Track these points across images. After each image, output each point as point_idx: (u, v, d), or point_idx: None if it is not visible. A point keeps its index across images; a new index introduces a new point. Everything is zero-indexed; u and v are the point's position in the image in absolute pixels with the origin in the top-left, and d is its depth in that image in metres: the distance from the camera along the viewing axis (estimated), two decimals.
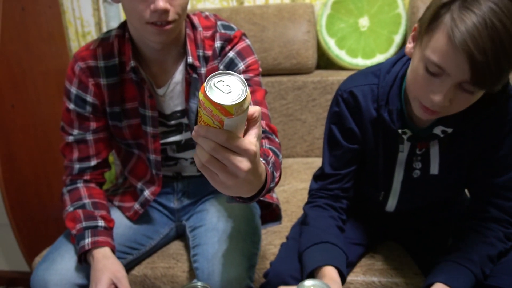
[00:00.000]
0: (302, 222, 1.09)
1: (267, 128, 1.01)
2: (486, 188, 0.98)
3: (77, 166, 1.14)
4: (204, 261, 1.05)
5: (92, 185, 1.17)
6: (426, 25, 0.81)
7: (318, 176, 1.12)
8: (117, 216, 1.18)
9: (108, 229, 1.10)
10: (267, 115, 1.05)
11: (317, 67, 1.88)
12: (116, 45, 1.08)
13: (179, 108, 1.13)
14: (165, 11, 0.93)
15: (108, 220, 1.12)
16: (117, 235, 1.14)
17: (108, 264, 1.02)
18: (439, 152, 0.97)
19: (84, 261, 1.06)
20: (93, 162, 1.14)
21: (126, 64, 1.07)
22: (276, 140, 1.00)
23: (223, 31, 1.10)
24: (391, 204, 1.08)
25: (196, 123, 0.87)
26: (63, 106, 1.13)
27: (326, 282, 0.86)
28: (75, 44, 2.04)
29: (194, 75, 1.08)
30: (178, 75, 1.11)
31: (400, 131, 0.95)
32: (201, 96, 0.58)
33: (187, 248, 1.23)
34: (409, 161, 1.01)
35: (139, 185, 1.20)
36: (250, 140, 0.61)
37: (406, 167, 1.01)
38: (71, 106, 1.11)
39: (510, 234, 0.98)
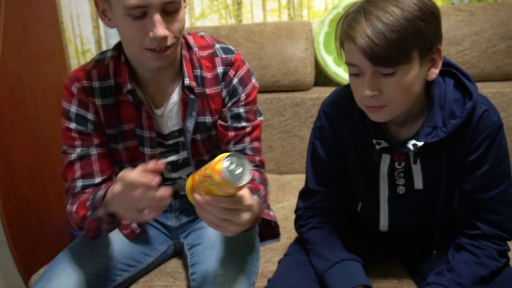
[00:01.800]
0: (306, 247, 1.09)
1: (259, 163, 1.15)
2: (475, 204, 0.98)
3: (79, 183, 1.08)
4: (203, 280, 1.04)
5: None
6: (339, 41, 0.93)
7: (304, 194, 1.13)
8: (114, 233, 1.17)
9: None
10: (259, 149, 1.16)
11: (315, 84, 1.90)
12: (111, 67, 1.08)
13: (176, 128, 1.14)
14: (164, 38, 0.94)
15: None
16: (114, 252, 1.14)
17: None
18: (420, 166, 0.97)
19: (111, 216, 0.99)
20: (97, 179, 1.08)
21: (122, 86, 1.07)
22: (264, 172, 1.15)
23: (223, 55, 1.11)
24: (383, 223, 1.08)
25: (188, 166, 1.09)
26: (62, 128, 1.10)
27: None
28: (75, 61, 2.06)
29: (191, 96, 1.09)
30: (176, 95, 1.11)
31: (374, 141, 0.97)
32: (215, 176, 0.72)
33: (185, 266, 1.22)
34: (392, 177, 1.01)
35: None
36: (248, 196, 0.81)
37: (390, 183, 1.02)
38: (72, 125, 1.08)
39: (504, 250, 0.99)
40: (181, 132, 1.14)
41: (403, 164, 0.99)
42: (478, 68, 1.71)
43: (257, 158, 1.15)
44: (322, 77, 1.93)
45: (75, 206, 1.04)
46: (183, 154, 1.17)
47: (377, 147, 0.98)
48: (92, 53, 2.05)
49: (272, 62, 1.76)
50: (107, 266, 1.12)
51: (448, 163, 0.97)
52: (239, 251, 1.11)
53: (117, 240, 1.17)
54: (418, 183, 1.00)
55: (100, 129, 1.11)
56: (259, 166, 1.15)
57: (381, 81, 0.87)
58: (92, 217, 1.00)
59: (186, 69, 1.08)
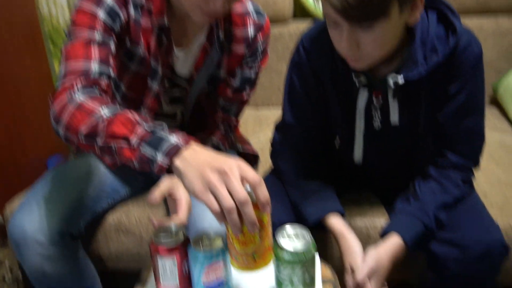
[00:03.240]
0: (282, 178, 1.11)
1: (231, 124, 1.18)
2: (446, 134, 1.01)
3: (96, 67, 0.88)
4: None
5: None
6: None
7: (280, 127, 1.14)
8: (94, 162, 1.15)
9: None
10: (241, 111, 1.19)
11: (294, 16, 1.85)
12: None
13: (187, 71, 1.10)
14: (220, 11, 0.91)
15: None
16: (93, 181, 1.13)
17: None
18: (398, 102, 0.98)
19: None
20: (112, 73, 0.92)
21: (153, 15, 0.98)
22: (230, 133, 1.18)
23: (256, 18, 1.09)
24: (358, 156, 1.10)
25: None
26: (79, 10, 0.92)
27: (338, 238, 0.98)
28: None
29: (216, 48, 1.06)
30: (199, 42, 1.07)
31: (354, 76, 0.96)
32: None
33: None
34: (369, 112, 1.02)
35: None
36: None
37: (366, 118, 1.02)
38: (101, 14, 0.92)
39: (469, 179, 1.03)
40: (189, 80, 1.10)
41: (381, 100, 0.99)
42: (458, 2, 1.70)
43: (233, 120, 1.19)
44: (300, 10, 1.88)
45: (90, 103, 0.80)
46: (183, 93, 1.14)
47: (357, 82, 0.97)
48: None
49: None
50: (87, 195, 1.11)
51: (427, 99, 0.97)
52: None
53: (96, 170, 1.16)
54: (394, 119, 1.01)
55: (122, 39, 0.99)
56: (231, 127, 1.18)
57: (359, 35, 0.84)
58: (136, 149, 0.72)
59: (221, 22, 1.04)
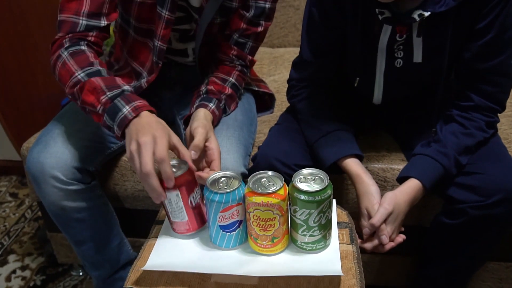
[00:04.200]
0: (298, 117, 1.08)
1: (248, 62, 1.15)
2: (471, 73, 0.96)
3: (84, 21, 0.96)
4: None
5: (95, 53, 0.98)
6: None
7: (298, 64, 1.10)
8: None
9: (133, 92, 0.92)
10: (256, 49, 1.15)
11: None
12: None
13: (195, 4, 1.05)
14: None
15: (131, 87, 0.93)
16: None
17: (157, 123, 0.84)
18: (422, 38, 0.93)
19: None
20: (103, 22, 0.98)
21: None
22: (247, 73, 1.17)
23: None
24: (377, 96, 1.07)
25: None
26: None
27: (355, 181, 0.96)
28: None
29: None
30: None
31: (377, 10, 0.91)
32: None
33: (178, 135, 1.22)
34: (391, 50, 0.97)
35: (143, 72, 1.13)
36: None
37: (388, 56, 0.98)
38: None
39: (493, 122, 0.99)
40: (198, 9, 1.06)
41: (404, 36, 0.94)
42: None
43: (249, 57, 1.14)
44: None
45: (72, 63, 0.92)
46: (194, 26, 1.11)
47: (380, 17, 0.91)
48: None
49: None
50: (101, 134, 1.11)
51: (453, 34, 0.92)
52: (236, 122, 1.11)
53: None
54: (418, 57, 0.96)
55: None
56: (247, 65, 1.16)
57: None
58: (101, 117, 0.87)
59: None
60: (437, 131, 0.99)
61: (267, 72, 1.60)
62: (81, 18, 0.96)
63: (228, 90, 1.10)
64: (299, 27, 1.72)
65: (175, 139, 0.82)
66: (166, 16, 1.02)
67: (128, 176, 1.20)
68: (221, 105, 1.07)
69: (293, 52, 1.69)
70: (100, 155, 1.12)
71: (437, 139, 0.97)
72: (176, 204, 0.77)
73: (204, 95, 1.07)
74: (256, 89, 1.28)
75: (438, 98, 1.03)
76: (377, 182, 0.98)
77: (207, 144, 0.91)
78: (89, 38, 0.98)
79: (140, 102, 0.86)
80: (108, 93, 0.87)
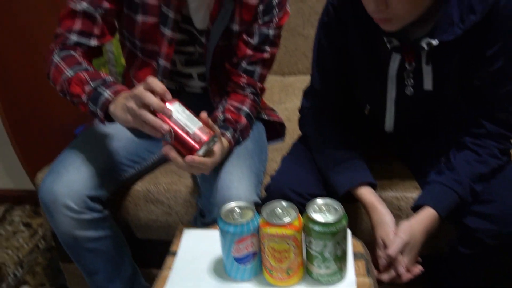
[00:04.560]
0: (310, 146, 1.09)
1: (258, 90, 1.16)
2: (483, 100, 0.96)
3: (74, 38, 1.04)
4: (211, 178, 1.04)
5: (84, 57, 1.05)
6: None
7: (309, 93, 1.11)
8: (119, 129, 1.15)
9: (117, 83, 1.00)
10: (265, 78, 1.17)
11: None
12: None
13: (200, 26, 1.09)
14: None
15: (114, 79, 1.01)
16: (119, 148, 1.14)
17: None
18: (431, 66, 0.93)
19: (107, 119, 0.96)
20: (93, 43, 1.05)
21: None
22: (258, 101, 1.19)
23: None
24: (389, 123, 1.07)
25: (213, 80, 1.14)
26: None
27: (369, 210, 0.95)
28: None
29: (228, 1, 1.04)
30: None
31: (386, 39, 0.92)
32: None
33: None
34: (400, 77, 0.97)
35: None
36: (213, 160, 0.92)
37: (398, 83, 0.98)
38: None
39: (506, 149, 0.98)
40: (203, 33, 1.09)
41: (413, 64, 0.95)
42: None
43: (259, 85, 1.16)
44: None
45: (63, 64, 1.01)
46: (198, 49, 1.13)
47: (388, 45, 0.92)
48: None
49: None
50: (113, 161, 1.12)
51: (462, 61, 0.92)
52: (247, 150, 1.11)
53: (122, 136, 1.16)
54: (428, 84, 0.96)
55: None
56: (258, 93, 1.17)
57: None
58: (86, 105, 0.96)
59: None
60: (450, 159, 0.98)
61: (277, 100, 1.61)
62: (71, 34, 1.04)
63: (243, 121, 1.11)
64: (308, 55, 1.74)
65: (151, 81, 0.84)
66: (169, 35, 1.06)
67: (141, 205, 1.20)
68: (236, 135, 1.08)
69: (303, 80, 1.70)
70: (113, 184, 1.12)
71: (450, 167, 0.97)
72: (184, 113, 0.84)
73: (222, 123, 1.08)
74: (267, 118, 1.29)
75: (450, 125, 1.03)
76: (391, 211, 0.97)
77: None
78: (78, 52, 1.05)
79: (120, 86, 0.95)
80: (91, 83, 0.96)
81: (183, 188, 1.19)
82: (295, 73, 1.78)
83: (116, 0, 1.04)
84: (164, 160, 1.26)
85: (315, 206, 0.74)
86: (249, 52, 1.11)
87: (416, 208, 0.96)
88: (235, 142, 1.09)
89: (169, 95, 0.83)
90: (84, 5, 1.02)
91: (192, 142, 0.83)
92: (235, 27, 1.09)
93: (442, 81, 0.96)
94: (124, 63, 1.25)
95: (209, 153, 0.89)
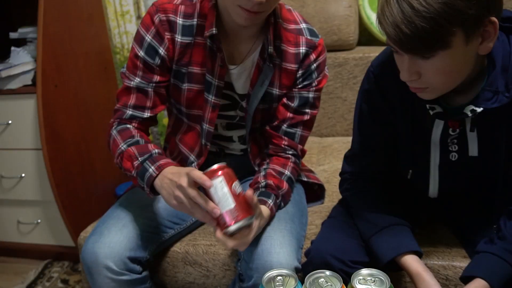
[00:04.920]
0: (352, 211, 1.07)
1: (299, 152, 1.18)
2: None
3: (129, 112, 1.11)
4: (251, 243, 1.02)
5: (138, 130, 1.13)
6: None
7: (350, 158, 1.10)
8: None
9: (163, 154, 1.06)
10: (306, 139, 1.19)
11: (358, 43, 1.83)
12: (198, 7, 1.07)
13: (241, 91, 1.14)
14: (260, 3, 0.92)
15: (161, 151, 1.08)
16: (160, 209, 1.16)
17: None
18: (476, 132, 0.92)
19: (153, 193, 1.02)
20: (146, 114, 1.11)
21: (205, 29, 1.06)
22: (299, 164, 1.21)
23: (309, 37, 1.11)
24: (433, 189, 1.04)
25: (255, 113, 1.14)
26: (131, 52, 1.11)
27: (415, 280, 0.90)
28: (114, 23, 2.06)
29: (269, 64, 1.08)
30: (253, 58, 1.10)
31: (428, 106, 0.91)
32: None
33: None
34: (444, 143, 0.96)
35: (190, 155, 1.20)
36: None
37: (442, 149, 0.97)
38: (141, 53, 1.08)
39: None
40: (244, 96, 1.14)
41: (457, 130, 0.94)
42: None
43: (300, 147, 1.17)
44: (365, 36, 1.85)
45: (118, 138, 1.08)
46: (239, 113, 1.17)
47: (431, 112, 0.92)
48: (131, 15, 2.03)
49: (314, 21, 1.69)
50: (154, 223, 1.14)
51: (509, 127, 0.91)
52: (288, 214, 1.10)
53: (162, 199, 1.18)
54: (473, 150, 0.94)
55: (166, 67, 1.10)
56: (299, 155, 1.18)
57: (420, 63, 0.80)
58: (136, 180, 1.03)
59: (271, 36, 1.06)
60: (501, 227, 0.94)
61: (316, 162, 1.61)
62: (127, 109, 1.11)
63: (285, 186, 1.11)
64: (346, 117, 1.76)
65: (194, 174, 0.89)
66: (212, 100, 1.10)
67: (179, 267, 1.20)
68: (278, 201, 1.08)
69: (342, 142, 1.71)
70: (153, 244, 1.13)
71: (502, 236, 0.92)
72: (222, 191, 0.87)
73: (263, 189, 1.08)
74: (306, 179, 1.28)
75: (499, 192, 0.99)
76: (438, 281, 0.92)
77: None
78: (134, 124, 1.12)
79: (164, 161, 1.00)
80: (139, 158, 1.02)
81: (222, 251, 1.18)
82: (333, 135, 1.79)
83: (165, 72, 1.11)
84: (203, 222, 1.26)
85: (360, 277, 0.71)
86: (289, 114, 1.13)
87: (466, 279, 0.91)
88: (277, 209, 1.08)
89: (208, 183, 0.87)
90: (137, 81, 1.09)
91: (218, 221, 0.89)
92: (275, 91, 1.12)
93: (488, 148, 0.94)
94: (165, 124, 1.30)
95: (245, 228, 0.92)
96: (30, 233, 1.91)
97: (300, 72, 1.11)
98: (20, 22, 1.86)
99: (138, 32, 1.10)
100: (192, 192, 0.88)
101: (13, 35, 1.76)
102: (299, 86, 1.12)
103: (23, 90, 1.70)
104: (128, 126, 1.11)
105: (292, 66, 1.10)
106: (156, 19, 1.06)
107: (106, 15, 2.04)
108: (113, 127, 1.11)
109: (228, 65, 1.11)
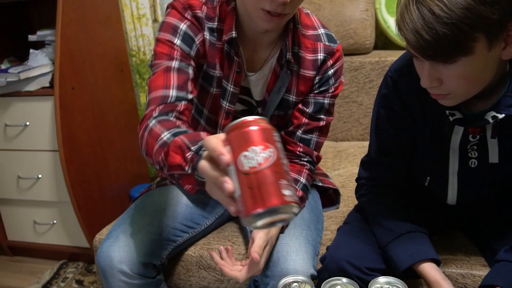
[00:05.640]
0: (368, 217, 1.06)
1: (315, 159, 1.15)
2: None
3: (174, 93, 0.95)
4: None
5: (185, 124, 0.95)
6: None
7: (367, 163, 1.09)
8: (174, 194, 1.19)
9: None
10: (321, 145, 1.17)
11: (375, 47, 1.81)
12: (218, 10, 1.03)
13: (258, 98, 1.13)
14: (283, 4, 0.90)
15: None
16: (174, 213, 1.15)
17: None
18: (497, 138, 0.90)
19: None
20: (190, 96, 0.98)
21: (223, 32, 1.03)
22: (315, 170, 1.18)
23: (327, 43, 1.10)
24: (452, 196, 1.02)
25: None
26: (158, 41, 1.01)
27: (433, 287, 0.89)
28: (131, 26, 2.07)
29: (287, 71, 1.07)
30: (270, 65, 1.09)
31: (447, 112, 0.90)
32: None
33: (242, 230, 1.22)
34: (463, 149, 0.94)
35: None
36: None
37: (461, 156, 0.95)
38: (177, 41, 1.00)
39: None
40: (260, 103, 1.13)
41: (477, 136, 0.92)
42: None
43: (315, 153, 1.16)
44: (382, 40, 1.84)
45: (158, 127, 0.87)
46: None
47: (451, 118, 0.90)
48: (147, 18, 2.05)
49: (330, 24, 1.68)
50: (168, 226, 1.14)
51: None
52: (304, 220, 1.10)
53: (178, 202, 1.18)
54: (494, 157, 0.93)
55: (198, 62, 1.05)
56: (314, 162, 1.17)
57: (441, 69, 0.79)
58: (191, 177, 0.78)
59: (289, 43, 1.05)
60: None
61: (331, 166, 1.60)
62: (171, 90, 0.96)
63: (300, 193, 1.10)
64: (362, 121, 1.74)
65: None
66: (226, 107, 1.09)
67: (193, 271, 1.19)
68: None
69: (357, 146, 1.70)
70: (167, 249, 1.13)
71: None
72: (231, 170, 0.57)
73: None
74: (321, 184, 1.27)
75: None
76: None
77: (255, 254, 0.92)
78: (179, 108, 0.96)
79: None
80: (192, 148, 0.76)
81: (236, 256, 1.17)
82: (349, 139, 1.78)
83: (197, 67, 1.05)
84: (217, 225, 1.26)
85: (378, 285, 0.70)
86: (304, 120, 1.12)
87: (485, 287, 0.89)
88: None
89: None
90: (177, 63, 0.99)
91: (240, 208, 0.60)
92: (292, 98, 1.11)
93: (509, 154, 0.92)
94: None
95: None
96: (46, 234, 1.94)
97: (317, 78, 1.10)
98: (39, 24, 1.88)
99: (167, 23, 1.02)
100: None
101: (31, 37, 1.78)
102: (315, 92, 1.11)
103: (41, 92, 1.72)
104: (170, 118, 0.94)
105: (310, 73, 1.10)
106: (187, 15, 1.02)
107: (123, 18, 2.05)
108: (152, 117, 0.92)
109: (246, 72, 1.10)
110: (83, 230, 1.77)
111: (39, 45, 1.83)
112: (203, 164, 0.59)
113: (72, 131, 1.70)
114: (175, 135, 0.82)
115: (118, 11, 2.01)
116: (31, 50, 1.76)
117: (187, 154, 0.76)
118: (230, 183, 0.55)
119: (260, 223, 0.55)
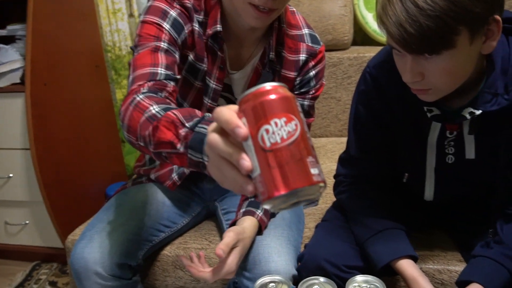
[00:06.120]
0: (347, 214, 1.05)
1: None
2: None
3: (163, 71, 0.89)
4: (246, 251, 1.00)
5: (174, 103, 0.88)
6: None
7: (345, 160, 1.08)
8: (150, 192, 1.16)
9: None
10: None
11: (353, 43, 1.81)
12: (203, 3, 0.99)
13: (238, 96, 1.10)
14: None
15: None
16: (150, 212, 1.12)
17: None
18: (474, 135, 0.90)
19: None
20: (178, 77, 0.93)
21: (208, 26, 0.99)
22: None
23: (310, 44, 1.08)
24: (429, 192, 1.02)
25: None
26: (145, 25, 0.94)
27: (410, 284, 0.89)
28: (106, 21, 2.02)
29: (269, 71, 1.05)
30: (253, 64, 1.07)
31: (426, 108, 0.89)
32: None
33: (219, 228, 1.21)
34: (441, 146, 0.94)
35: None
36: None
37: (438, 151, 0.95)
38: (166, 25, 0.94)
39: None
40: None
41: (454, 133, 0.92)
42: None
43: None
44: (360, 36, 1.84)
45: (146, 102, 0.78)
46: None
47: (428, 114, 0.90)
48: (122, 13, 2.00)
49: (309, 20, 1.66)
50: (145, 226, 1.11)
51: (508, 130, 0.89)
52: (284, 220, 1.08)
53: (154, 200, 1.15)
54: (470, 153, 0.93)
55: (183, 52, 0.99)
56: None
57: (423, 64, 0.78)
58: (184, 155, 0.69)
59: (273, 42, 1.03)
60: (498, 231, 0.92)
61: None
62: (159, 69, 0.89)
63: None
64: (340, 117, 1.74)
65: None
66: (208, 104, 1.07)
67: (170, 271, 1.17)
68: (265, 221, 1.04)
69: (335, 142, 1.70)
70: (143, 249, 1.10)
71: (498, 240, 0.91)
72: (248, 146, 0.49)
73: (252, 199, 1.05)
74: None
75: (496, 196, 0.97)
76: (434, 285, 0.90)
77: (219, 250, 0.87)
78: (168, 89, 0.88)
79: None
80: (187, 124, 0.68)
81: (212, 255, 1.15)
82: (327, 135, 1.77)
83: (183, 57, 1.00)
84: (193, 224, 1.24)
85: (355, 284, 0.69)
86: None
87: (462, 283, 0.89)
88: (269, 217, 1.05)
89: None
90: (165, 45, 0.93)
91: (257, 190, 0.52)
92: None
93: (485, 151, 0.92)
94: None
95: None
96: (18, 234, 1.88)
97: (298, 79, 1.09)
98: (8, 19, 1.82)
99: (155, 6, 0.96)
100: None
101: (1, 32, 1.73)
102: (295, 93, 1.10)
103: (11, 88, 1.67)
104: (161, 96, 0.86)
105: (291, 74, 1.08)
106: (175, 3, 0.97)
107: (98, 13, 2.00)
108: (139, 92, 0.83)
109: (229, 70, 1.07)
110: (57, 230, 1.73)
111: (9, 40, 1.77)
112: (214, 138, 0.50)
113: (45, 129, 1.65)
114: (166, 110, 0.74)
115: (93, 6, 1.96)
116: (0, 45, 1.71)
117: (181, 131, 0.68)
118: (248, 160, 0.48)
119: (283, 205, 0.48)
